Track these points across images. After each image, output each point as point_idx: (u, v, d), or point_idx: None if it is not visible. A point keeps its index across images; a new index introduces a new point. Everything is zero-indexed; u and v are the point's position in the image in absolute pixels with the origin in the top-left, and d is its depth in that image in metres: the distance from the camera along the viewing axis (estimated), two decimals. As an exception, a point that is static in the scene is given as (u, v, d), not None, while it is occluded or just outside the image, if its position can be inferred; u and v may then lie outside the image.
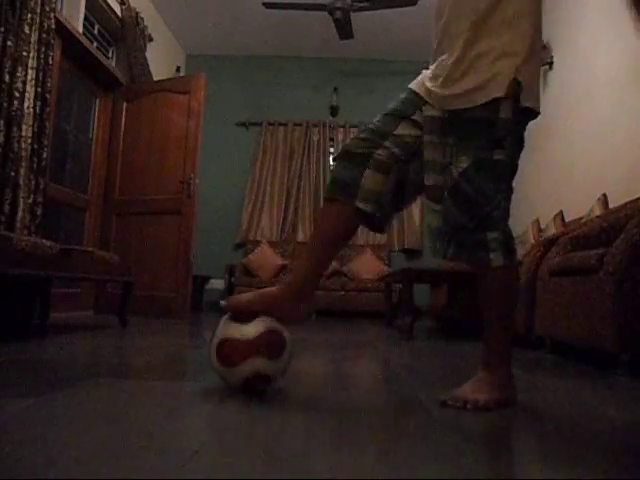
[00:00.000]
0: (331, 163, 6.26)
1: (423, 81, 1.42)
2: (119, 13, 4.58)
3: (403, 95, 1.44)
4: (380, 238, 6.08)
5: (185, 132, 4.43)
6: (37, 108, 3.20)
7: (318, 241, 1.43)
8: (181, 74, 5.94)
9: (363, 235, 6.10)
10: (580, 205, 3.60)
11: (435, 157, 1.35)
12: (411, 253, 6.22)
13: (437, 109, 1.36)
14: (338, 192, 1.38)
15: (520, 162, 1.37)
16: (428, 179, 1.36)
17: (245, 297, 1.38)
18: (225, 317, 1.38)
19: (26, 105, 3.09)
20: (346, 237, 1.44)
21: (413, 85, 1.45)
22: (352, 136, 1.49)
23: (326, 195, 1.42)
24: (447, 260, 1.40)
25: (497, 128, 1.29)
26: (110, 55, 4.89)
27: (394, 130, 1.38)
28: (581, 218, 3.43)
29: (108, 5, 4.46)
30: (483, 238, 1.29)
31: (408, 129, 1.38)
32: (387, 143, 1.37)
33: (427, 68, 1.46)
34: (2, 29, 2.94)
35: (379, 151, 1.36)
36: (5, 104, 2.96)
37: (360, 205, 1.35)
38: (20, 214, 3.04)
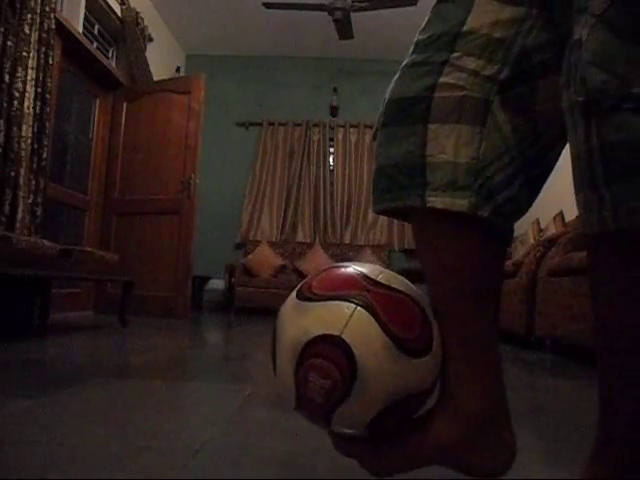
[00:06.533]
0: (331, 163, 6.25)
1: None
2: (119, 13, 4.58)
3: None
4: (380, 238, 6.09)
5: (185, 132, 4.43)
6: (37, 108, 3.20)
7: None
8: (181, 74, 5.94)
9: (363, 235, 6.10)
10: (580, 205, 3.58)
11: None
12: (411, 253, 6.21)
13: None
14: None
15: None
16: None
17: None
18: None
19: (26, 105, 3.09)
20: None
21: None
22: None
23: None
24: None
25: None
26: (110, 55, 4.89)
27: None
28: (581, 218, 3.42)
29: (108, 5, 4.46)
30: None
31: None
32: None
33: None
34: (2, 29, 2.94)
35: None
36: (5, 104, 2.95)
37: None
38: (20, 214, 3.04)
